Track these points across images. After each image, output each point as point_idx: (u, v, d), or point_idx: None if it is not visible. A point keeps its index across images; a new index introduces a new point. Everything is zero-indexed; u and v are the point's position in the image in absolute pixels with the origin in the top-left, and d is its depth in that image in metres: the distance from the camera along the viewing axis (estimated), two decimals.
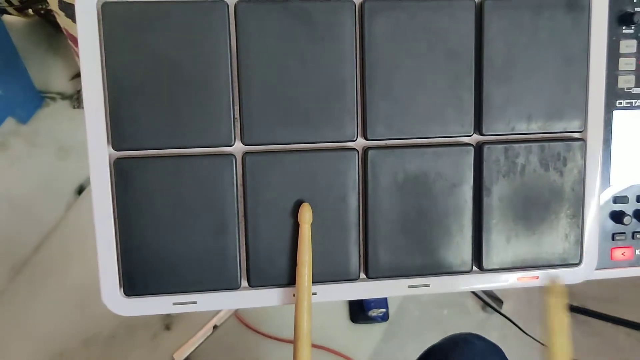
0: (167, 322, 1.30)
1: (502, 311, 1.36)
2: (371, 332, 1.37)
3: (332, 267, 0.54)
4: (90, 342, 1.26)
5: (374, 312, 1.34)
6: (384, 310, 1.35)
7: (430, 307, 1.42)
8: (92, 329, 1.27)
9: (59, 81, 1.37)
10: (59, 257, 1.30)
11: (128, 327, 1.28)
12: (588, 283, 1.45)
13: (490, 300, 1.36)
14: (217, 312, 1.13)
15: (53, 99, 1.36)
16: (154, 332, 1.29)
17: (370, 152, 0.52)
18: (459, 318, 1.40)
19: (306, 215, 0.51)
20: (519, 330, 1.35)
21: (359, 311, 1.36)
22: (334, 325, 1.36)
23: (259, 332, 1.31)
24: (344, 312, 1.38)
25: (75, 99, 1.36)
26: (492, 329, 1.37)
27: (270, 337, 1.31)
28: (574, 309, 1.45)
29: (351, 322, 1.37)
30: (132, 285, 0.52)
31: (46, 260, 1.29)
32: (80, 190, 1.34)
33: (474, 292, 1.35)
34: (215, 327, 1.10)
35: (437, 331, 0.80)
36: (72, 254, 1.29)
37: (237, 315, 1.30)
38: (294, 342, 0.51)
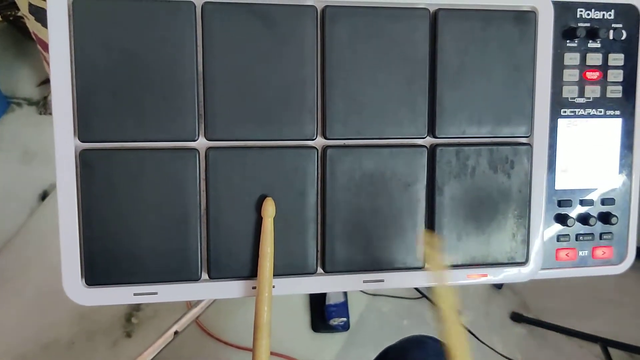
0: (128, 329, 1.30)
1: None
2: (332, 341, 1.38)
3: (290, 261, 0.55)
4: (50, 348, 1.25)
5: (335, 321, 1.35)
6: (345, 319, 1.36)
7: (390, 316, 1.44)
8: (51, 335, 1.26)
9: (26, 87, 1.37)
10: (20, 263, 1.28)
11: (88, 334, 1.27)
12: (545, 296, 1.48)
13: None
14: (178, 319, 1.13)
15: (19, 104, 1.36)
16: (115, 339, 1.29)
17: (329, 151, 0.55)
18: (419, 328, 1.42)
19: (269, 209, 0.53)
20: (477, 340, 1.38)
21: (320, 320, 1.37)
22: (295, 334, 1.37)
23: (219, 340, 1.32)
24: (305, 320, 1.39)
25: (42, 105, 1.36)
26: None
27: (231, 345, 1.32)
28: (530, 322, 1.48)
29: (312, 331, 1.38)
30: (94, 275, 0.53)
31: (7, 266, 1.28)
32: (44, 196, 1.33)
33: (433, 303, 1.38)
34: (176, 332, 1.10)
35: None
36: (34, 260, 1.28)
37: (198, 322, 1.30)
38: (253, 331, 0.52)
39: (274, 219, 0.54)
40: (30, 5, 0.91)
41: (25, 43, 1.35)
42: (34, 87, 1.37)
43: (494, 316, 1.50)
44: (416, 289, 1.45)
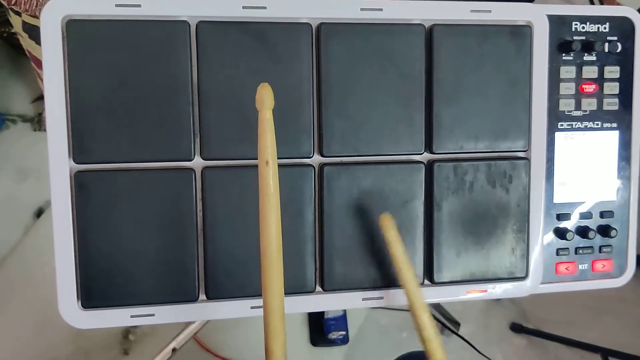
0: (126, 346, 1.29)
1: (460, 333, 1.38)
2: (331, 355, 1.37)
3: (288, 280, 0.54)
4: None
5: (334, 335, 1.34)
6: (343, 332, 1.36)
7: (389, 329, 1.43)
8: (48, 354, 1.25)
9: (20, 104, 1.36)
10: (16, 282, 1.27)
11: (85, 352, 1.26)
12: (544, 306, 1.48)
13: (448, 323, 1.38)
14: (176, 335, 1.12)
15: (14, 121, 1.35)
16: (112, 357, 1.28)
17: (325, 169, 0.54)
18: (418, 341, 1.42)
19: (266, 98, 0.43)
20: (476, 352, 1.37)
21: (319, 334, 1.36)
22: (294, 349, 1.36)
23: (218, 356, 1.31)
24: (304, 335, 1.38)
25: (36, 121, 1.36)
26: (450, 352, 1.38)
27: None
28: (529, 332, 1.48)
29: (311, 345, 1.37)
30: (90, 297, 0.52)
31: (2, 285, 1.27)
32: (39, 213, 1.32)
33: (432, 314, 1.37)
34: (174, 350, 1.09)
35: (397, 354, 0.81)
36: (29, 279, 1.27)
37: (197, 339, 1.29)
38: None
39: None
40: (24, 23, 0.91)
41: (19, 59, 1.35)
42: (28, 104, 1.36)
43: (493, 327, 1.50)
44: None
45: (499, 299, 1.53)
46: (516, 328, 1.50)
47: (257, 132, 0.43)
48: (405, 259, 0.52)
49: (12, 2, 0.81)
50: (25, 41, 0.99)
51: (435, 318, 1.38)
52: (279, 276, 0.44)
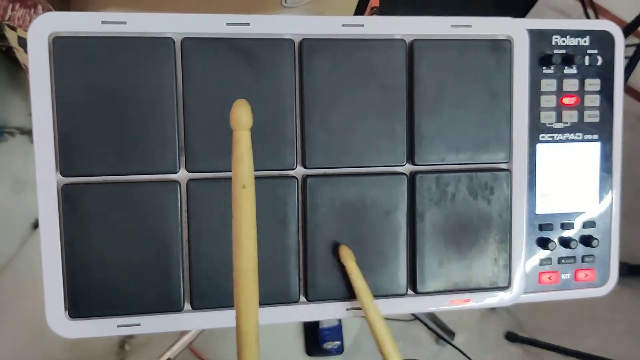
0: (121, 356, 1.29)
1: (454, 343, 1.38)
2: None
3: (272, 290, 0.56)
4: None
5: (329, 345, 1.35)
6: (338, 342, 1.36)
7: None
8: None
9: (18, 116, 1.38)
10: (12, 292, 1.28)
11: None
12: (540, 315, 1.48)
13: (442, 333, 1.38)
14: (171, 345, 1.13)
15: (11, 133, 1.36)
16: None
17: (309, 180, 0.55)
18: (413, 350, 1.42)
19: (242, 117, 0.39)
20: None
21: (313, 344, 1.36)
22: (289, 358, 1.37)
23: None
24: (299, 344, 1.39)
25: None
26: None
27: None
28: (525, 341, 1.48)
29: (306, 355, 1.37)
30: (77, 307, 0.53)
31: None
32: (36, 224, 1.33)
33: (426, 325, 1.37)
34: (169, 359, 1.10)
35: None
36: (26, 289, 1.28)
37: (192, 348, 1.29)
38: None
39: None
40: (19, 38, 0.93)
41: (17, 73, 1.36)
42: (25, 116, 1.38)
43: (488, 336, 1.50)
44: None
45: (494, 308, 1.53)
46: (511, 337, 1.50)
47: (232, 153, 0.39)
48: (365, 287, 0.55)
49: (7, 18, 0.82)
50: (21, 55, 1.01)
51: (429, 328, 1.39)
52: (254, 303, 0.41)
